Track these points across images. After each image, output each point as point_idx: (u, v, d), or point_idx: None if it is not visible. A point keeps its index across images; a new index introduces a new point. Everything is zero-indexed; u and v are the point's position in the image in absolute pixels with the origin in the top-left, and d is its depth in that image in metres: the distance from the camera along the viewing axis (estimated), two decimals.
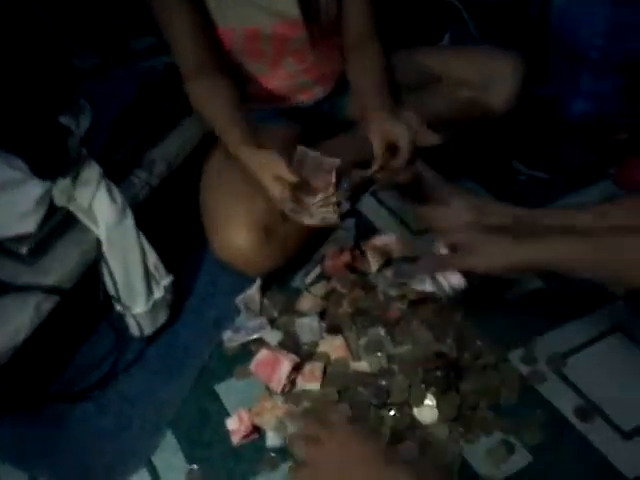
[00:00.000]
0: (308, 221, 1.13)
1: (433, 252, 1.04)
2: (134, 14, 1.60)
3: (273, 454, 1.05)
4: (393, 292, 1.24)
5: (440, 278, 1.05)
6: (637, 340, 1.17)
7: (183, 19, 1.19)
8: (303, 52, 1.33)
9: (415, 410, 1.07)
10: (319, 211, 1.14)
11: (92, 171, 1.10)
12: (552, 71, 1.62)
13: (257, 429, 1.08)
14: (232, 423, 1.08)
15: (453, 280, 1.05)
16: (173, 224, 1.31)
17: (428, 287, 1.09)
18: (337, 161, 1.18)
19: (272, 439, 1.06)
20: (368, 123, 1.18)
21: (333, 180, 1.16)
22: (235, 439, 1.07)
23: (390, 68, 1.36)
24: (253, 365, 1.14)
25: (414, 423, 1.06)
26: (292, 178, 1.09)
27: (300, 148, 1.19)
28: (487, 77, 1.33)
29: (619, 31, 1.51)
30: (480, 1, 1.67)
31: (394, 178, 1.18)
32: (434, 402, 1.07)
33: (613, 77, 1.55)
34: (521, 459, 1.02)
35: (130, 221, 1.13)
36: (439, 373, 1.09)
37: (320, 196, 1.15)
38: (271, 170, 1.11)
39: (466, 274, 1.03)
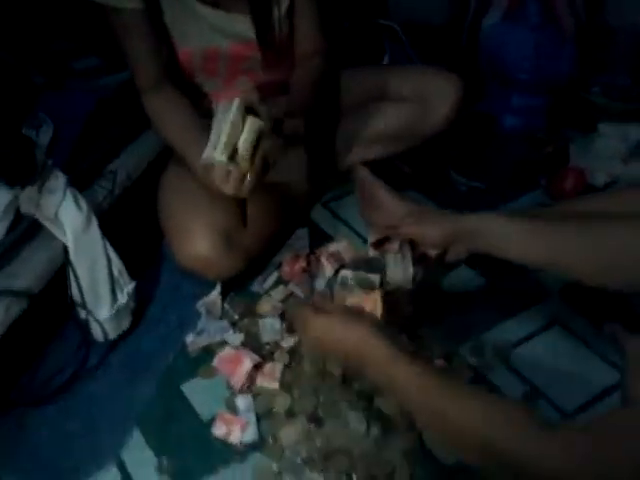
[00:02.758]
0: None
1: None
2: (75, 35, 1.64)
3: (242, 446, 1.09)
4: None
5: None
6: (573, 331, 1.28)
7: (141, 35, 1.23)
8: (256, 70, 1.39)
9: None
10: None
11: (58, 180, 1.14)
12: (486, 89, 1.76)
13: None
14: (219, 429, 1.11)
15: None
16: (134, 232, 1.34)
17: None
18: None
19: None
20: None
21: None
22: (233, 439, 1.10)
23: (328, 83, 1.43)
24: (216, 361, 1.19)
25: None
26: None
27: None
28: (428, 94, 1.42)
29: (542, 56, 1.66)
30: (416, 24, 1.80)
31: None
32: None
33: (540, 96, 1.69)
34: None
35: (95, 228, 1.16)
36: None
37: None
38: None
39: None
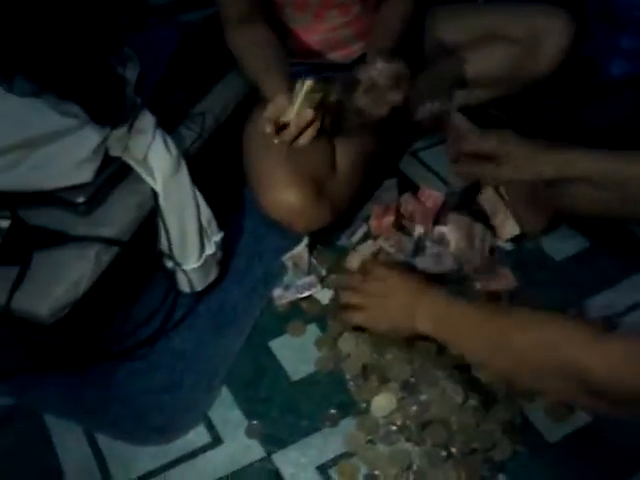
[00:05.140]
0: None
1: None
2: None
3: (333, 410, 1.05)
4: None
5: None
6: None
7: None
8: (348, 5, 1.31)
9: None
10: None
11: (147, 120, 1.07)
12: (590, 30, 1.60)
13: None
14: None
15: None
16: (219, 179, 1.28)
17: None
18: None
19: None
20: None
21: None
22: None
23: (409, 20, 1.33)
24: None
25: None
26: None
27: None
28: (537, 33, 1.31)
29: None
30: None
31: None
32: None
33: None
34: (580, 419, 1.02)
35: (185, 173, 1.10)
36: None
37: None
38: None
39: None
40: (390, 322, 1.02)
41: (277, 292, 1.21)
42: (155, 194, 1.08)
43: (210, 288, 1.21)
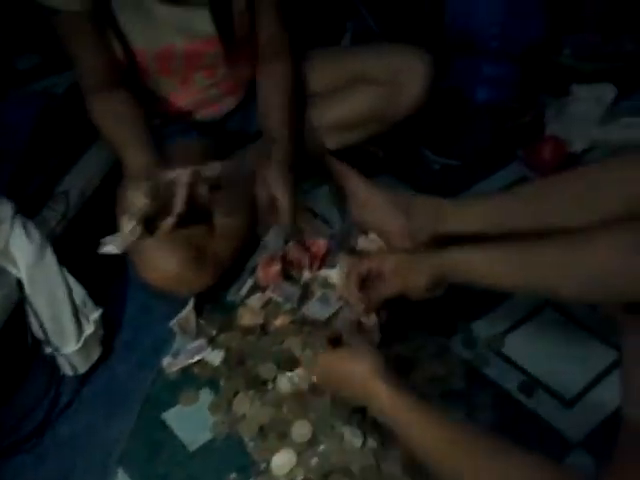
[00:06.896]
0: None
1: None
2: (15, 31, 1.52)
3: (233, 475, 1.03)
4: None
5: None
6: (566, 313, 1.23)
7: (88, 38, 1.15)
8: (214, 66, 1.31)
9: None
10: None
11: (3, 210, 1.04)
12: (453, 61, 1.67)
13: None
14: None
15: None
16: (93, 255, 1.25)
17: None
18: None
19: None
20: (259, 167, 1.23)
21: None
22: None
23: (297, 85, 1.37)
24: None
25: None
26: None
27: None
28: (398, 75, 1.34)
29: (511, 20, 1.58)
30: None
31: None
32: None
33: (510, 64, 1.62)
34: None
35: (50, 257, 1.07)
36: None
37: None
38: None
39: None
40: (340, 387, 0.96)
41: (166, 360, 1.19)
42: (20, 283, 1.04)
43: (95, 367, 1.17)
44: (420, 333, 1.19)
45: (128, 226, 1.08)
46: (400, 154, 1.60)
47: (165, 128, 1.35)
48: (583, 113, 1.60)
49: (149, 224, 1.11)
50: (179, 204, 1.10)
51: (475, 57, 1.62)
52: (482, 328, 1.22)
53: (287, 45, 1.34)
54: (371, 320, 1.11)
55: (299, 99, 1.38)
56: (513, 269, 0.92)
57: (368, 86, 1.37)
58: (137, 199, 1.07)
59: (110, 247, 1.09)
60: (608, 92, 1.62)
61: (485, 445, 0.74)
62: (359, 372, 0.88)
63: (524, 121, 1.59)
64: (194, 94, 1.34)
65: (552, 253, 0.88)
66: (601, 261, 0.82)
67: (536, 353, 1.17)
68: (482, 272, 0.94)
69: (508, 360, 1.17)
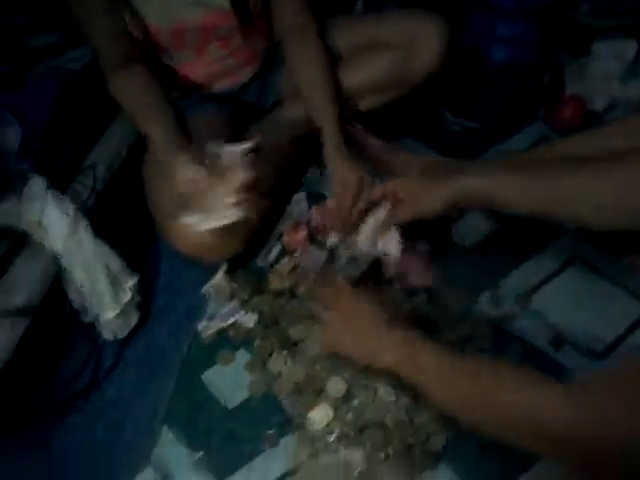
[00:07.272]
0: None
1: None
2: (34, 10, 1.53)
3: (270, 431, 1.07)
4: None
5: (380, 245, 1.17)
6: (593, 266, 1.24)
7: (102, 14, 1.15)
8: (229, 38, 1.31)
9: None
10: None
11: (36, 185, 1.07)
12: (468, 21, 1.66)
13: None
14: None
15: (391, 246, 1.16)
16: (128, 223, 1.28)
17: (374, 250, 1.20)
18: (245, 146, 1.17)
19: None
20: (328, 160, 1.25)
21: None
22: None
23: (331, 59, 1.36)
24: None
25: None
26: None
27: (210, 146, 1.17)
28: (413, 40, 1.33)
29: None
30: None
31: None
32: None
33: (527, 23, 1.60)
34: None
35: (85, 229, 1.10)
36: None
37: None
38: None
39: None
40: (354, 346, 0.99)
41: (202, 324, 1.22)
42: (57, 256, 1.08)
43: (134, 332, 1.22)
44: (446, 290, 1.22)
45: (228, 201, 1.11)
46: (420, 117, 1.60)
47: (183, 100, 1.36)
48: (603, 71, 1.59)
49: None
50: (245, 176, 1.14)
51: (490, 16, 1.60)
52: (510, 285, 1.23)
53: (312, 19, 1.33)
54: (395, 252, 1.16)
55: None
56: (534, 194, 0.92)
57: (383, 52, 1.37)
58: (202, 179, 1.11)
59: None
60: (629, 48, 1.60)
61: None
62: (376, 319, 0.94)
63: (544, 81, 1.58)
64: (210, 65, 1.35)
65: (575, 175, 0.88)
66: (626, 180, 0.83)
67: (565, 308, 1.18)
68: (501, 198, 0.95)
69: (537, 316, 1.17)
